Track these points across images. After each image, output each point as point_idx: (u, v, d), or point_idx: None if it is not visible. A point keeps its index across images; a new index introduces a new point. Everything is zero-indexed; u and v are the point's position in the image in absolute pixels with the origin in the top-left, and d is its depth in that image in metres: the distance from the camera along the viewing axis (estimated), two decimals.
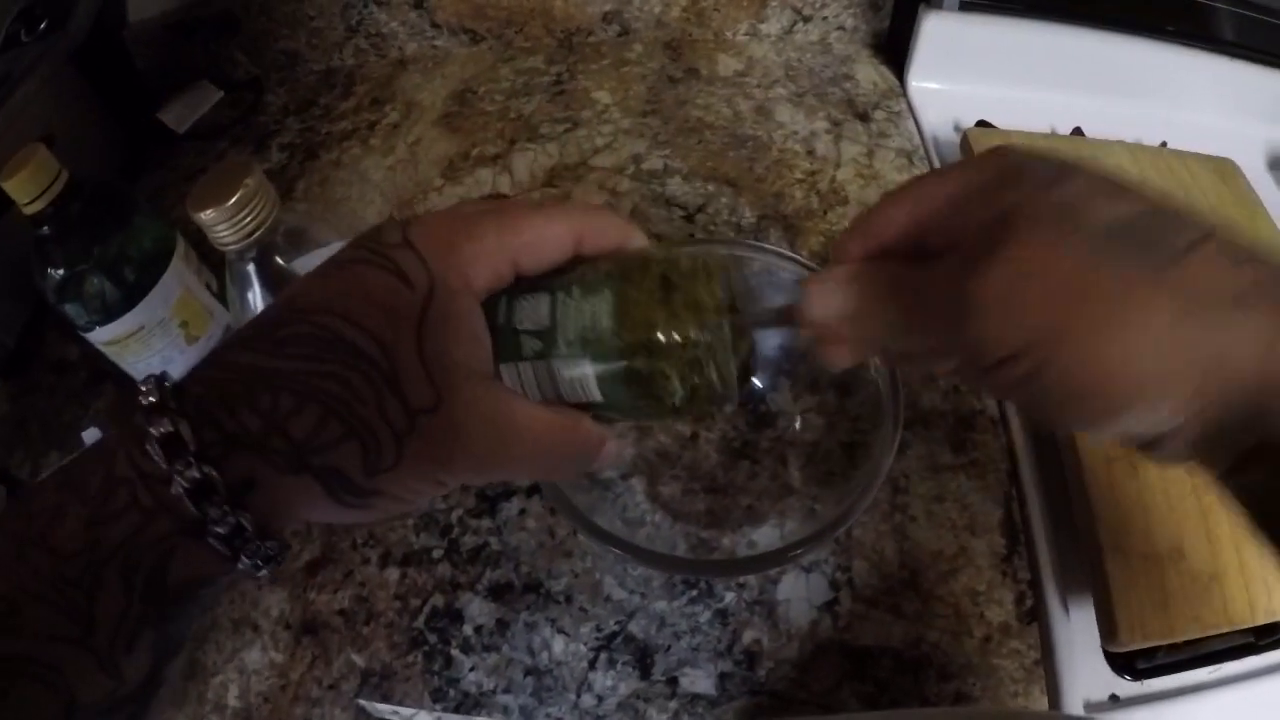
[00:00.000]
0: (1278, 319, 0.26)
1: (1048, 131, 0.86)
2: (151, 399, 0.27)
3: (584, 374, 0.31)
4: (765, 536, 0.56)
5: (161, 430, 0.26)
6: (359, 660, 0.56)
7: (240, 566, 0.28)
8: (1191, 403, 0.27)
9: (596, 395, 0.31)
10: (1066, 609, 0.57)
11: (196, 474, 0.26)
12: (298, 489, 0.28)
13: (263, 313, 0.30)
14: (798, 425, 0.60)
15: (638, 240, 0.33)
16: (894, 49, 0.93)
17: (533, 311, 0.30)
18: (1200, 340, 0.26)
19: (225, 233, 0.48)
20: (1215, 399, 0.27)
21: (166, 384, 0.27)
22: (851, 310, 0.32)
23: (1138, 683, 0.56)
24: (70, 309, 0.59)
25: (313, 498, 0.28)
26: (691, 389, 0.31)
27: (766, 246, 0.57)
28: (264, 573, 0.29)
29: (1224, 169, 0.80)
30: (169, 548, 0.27)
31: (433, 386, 0.28)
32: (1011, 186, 0.29)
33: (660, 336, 0.30)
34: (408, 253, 0.29)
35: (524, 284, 0.31)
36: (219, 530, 0.27)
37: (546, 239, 0.31)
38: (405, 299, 0.28)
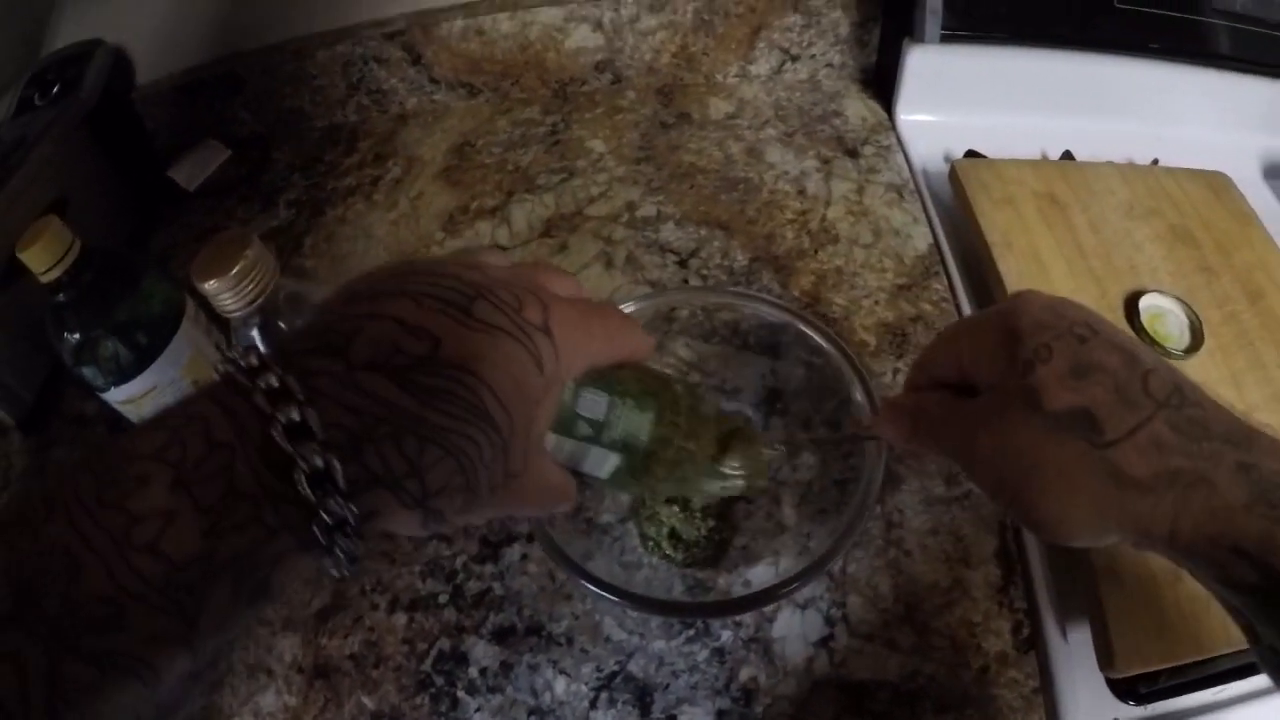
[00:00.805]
0: (1179, 505, 0.32)
1: (1038, 157, 0.87)
2: (294, 416, 0.27)
3: (610, 462, 0.39)
4: (760, 575, 0.57)
5: (314, 465, 0.27)
6: (369, 703, 0.57)
7: (334, 574, 0.30)
8: (1134, 540, 0.35)
9: (605, 475, 0.40)
10: (1065, 635, 0.58)
11: (341, 511, 0.27)
12: (406, 517, 0.30)
13: (400, 337, 0.30)
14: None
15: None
16: (881, 83, 0.94)
17: (594, 405, 0.38)
18: (1119, 510, 0.34)
19: (228, 301, 0.50)
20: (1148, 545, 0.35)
21: (300, 396, 0.27)
22: (905, 436, 0.44)
23: (1140, 707, 0.56)
24: (86, 371, 0.61)
25: (410, 523, 0.31)
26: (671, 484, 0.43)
27: (752, 294, 0.59)
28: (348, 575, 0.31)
29: (1217, 183, 0.80)
30: (279, 558, 0.28)
31: (524, 456, 0.33)
32: (1005, 358, 0.37)
33: (673, 455, 0.40)
34: (547, 341, 0.32)
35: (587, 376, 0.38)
36: (339, 554, 0.28)
37: (621, 351, 0.38)
38: (536, 385, 0.32)
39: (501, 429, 0.31)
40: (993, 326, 0.38)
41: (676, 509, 0.59)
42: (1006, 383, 0.36)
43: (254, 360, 0.28)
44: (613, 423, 0.38)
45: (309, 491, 0.27)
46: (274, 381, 0.27)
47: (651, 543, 0.59)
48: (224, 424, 0.27)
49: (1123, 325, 0.68)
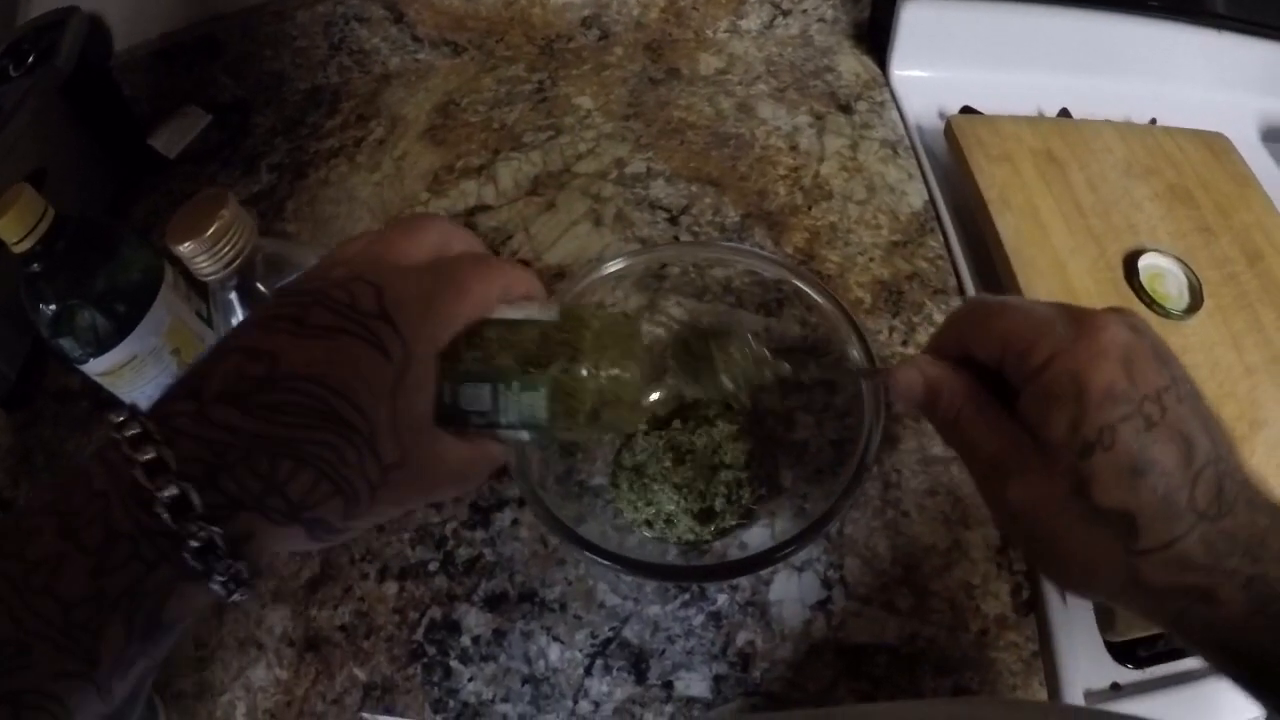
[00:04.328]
0: (1182, 612, 0.34)
1: (1034, 114, 0.86)
2: (149, 455, 0.28)
3: (521, 437, 0.37)
4: (756, 537, 0.56)
5: (169, 495, 0.28)
6: (361, 674, 0.57)
7: (230, 600, 0.31)
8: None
9: (529, 439, 0.38)
10: (1065, 598, 0.57)
11: (205, 534, 0.29)
12: (288, 535, 0.31)
13: (243, 364, 0.31)
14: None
15: (541, 294, 0.38)
16: (875, 38, 0.93)
17: (476, 399, 0.35)
18: (1127, 601, 0.36)
19: (205, 263, 0.49)
20: None
21: (157, 436, 0.29)
22: (916, 402, 0.40)
23: (1139, 670, 0.56)
24: (64, 343, 0.59)
25: (297, 539, 0.32)
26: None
27: (746, 249, 0.57)
28: (242, 599, 0.32)
29: (1215, 144, 0.79)
30: (167, 590, 0.29)
31: (400, 446, 0.32)
32: (1064, 420, 0.34)
33: (583, 421, 0.36)
34: (385, 326, 0.32)
35: (462, 365, 0.35)
36: (220, 578, 0.30)
37: (487, 300, 0.35)
38: (385, 372, 0.31)
39: (358, 427, 0.31)
40: (1059, 356, 0.34)
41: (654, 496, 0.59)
42: (1058, 448, 0.34)
43: (123, 414, 0.29)
44: (503, 409, 0.35)
45: (169, 519, 0.28)
46: (136, 428, 0.29)
47: (634, 521, 0.58)
48: (101, 475, 0.29)
49: (1122, 284, 0.68)
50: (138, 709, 0.31)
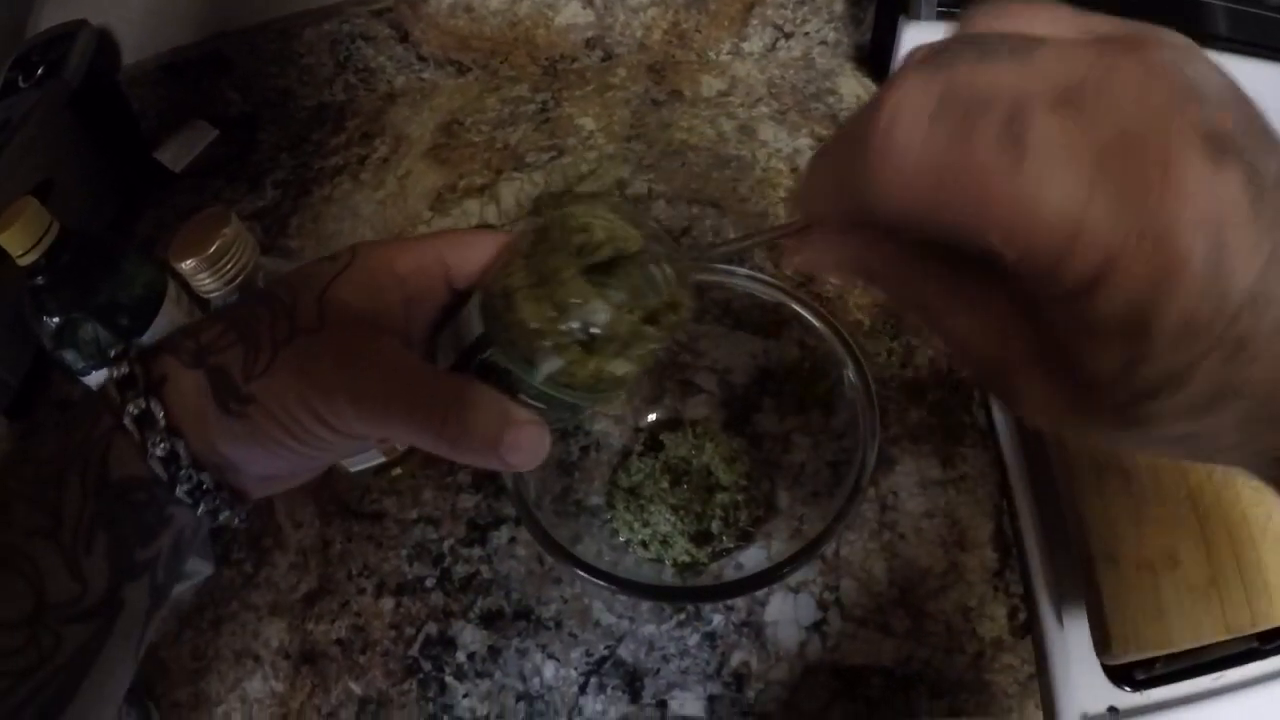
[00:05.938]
0: None
1: None
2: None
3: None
4: (752, 558, 0.56)
5: (119, 352, 0.32)
6: (356, 688, 0.57)
7: (155, 468, 0.31)
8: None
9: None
10: (1061, 621, 0.57)
11: (125, 370, 0.31)
12: (194, 385, 0.32)
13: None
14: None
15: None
16: (876, 61, 0.93)
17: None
18: None
19: (207, 281, 0.49)
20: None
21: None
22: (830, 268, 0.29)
23: (1137, 693, 0.56)
24: (66, 355, 0.60)
25: (205, 399, 0.31)
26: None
27: (742, 271, 0.58)
28: (202, 509, 0.33)
29: None
30: (108, 442, 0.31)
31: (320, 316, 0.32)
32: (1112, 352, 0.22)
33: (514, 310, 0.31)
34: (346, 249, 0.35)
35: None
36: (132, 411, 0.31)
37: (470, 241, 0.35)
38: (326, 268, 0.34)
39: (281, 298, 0.33)
40: (1115, 273, 0.20)
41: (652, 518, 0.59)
42: (1102, 385, 0.23)
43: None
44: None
45: (111, 359, 0.32)
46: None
47: (630, 542, 0.58)
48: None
49: None
50: (118, 618, 0.32)
